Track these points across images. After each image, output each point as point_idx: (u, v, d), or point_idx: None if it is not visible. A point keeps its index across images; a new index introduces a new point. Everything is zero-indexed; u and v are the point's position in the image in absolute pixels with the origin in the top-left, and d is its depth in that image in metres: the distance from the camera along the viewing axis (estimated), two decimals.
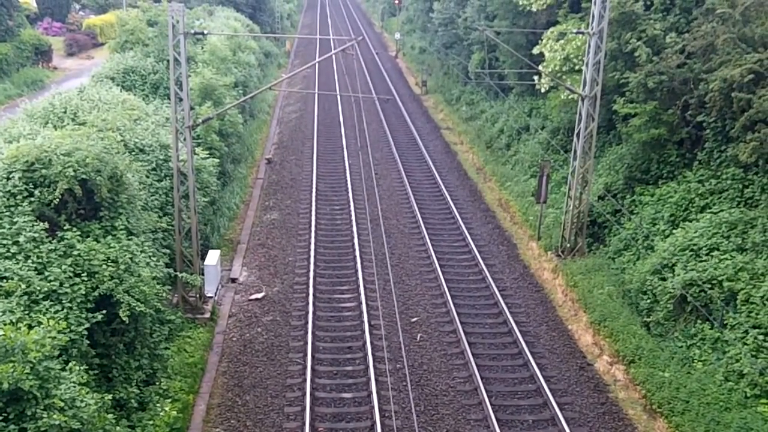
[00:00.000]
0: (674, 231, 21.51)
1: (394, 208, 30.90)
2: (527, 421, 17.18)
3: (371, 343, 19.95)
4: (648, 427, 17.26)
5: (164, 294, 17.15)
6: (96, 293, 14.33)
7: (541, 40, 30.32)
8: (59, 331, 11.80)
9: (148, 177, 21.16)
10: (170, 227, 20.78)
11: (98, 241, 15.41)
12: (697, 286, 18.85)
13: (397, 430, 16.64)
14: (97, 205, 16.33)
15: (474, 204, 31.80)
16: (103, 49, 53.75)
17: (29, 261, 14.02)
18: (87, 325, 13.78)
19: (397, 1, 79.60)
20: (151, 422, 15.05)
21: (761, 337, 16.85)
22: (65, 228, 15.19)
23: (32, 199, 15.27)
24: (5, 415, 10.54)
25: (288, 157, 38.29)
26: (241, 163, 34.67)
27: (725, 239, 19.65)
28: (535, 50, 30.58)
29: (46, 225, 14.89)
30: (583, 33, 24.68)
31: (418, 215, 29.48)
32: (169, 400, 16.17)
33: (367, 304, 22.09)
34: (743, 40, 21.54)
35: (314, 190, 32.21)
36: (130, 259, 15.50)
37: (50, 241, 14.72)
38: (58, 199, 15.32)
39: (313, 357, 19.31)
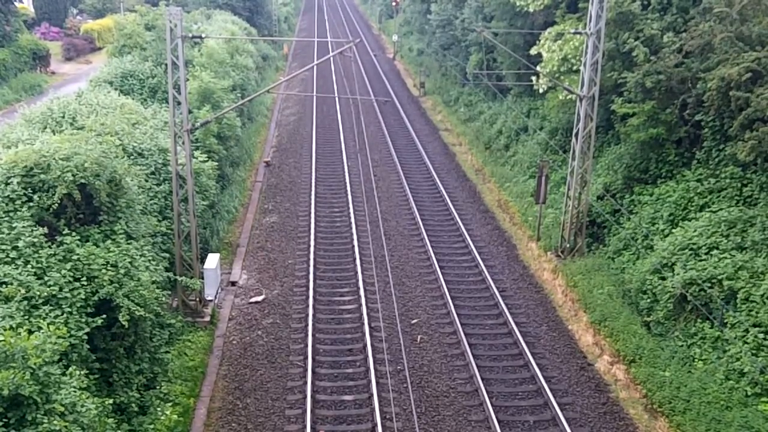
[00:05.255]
0: (673, 230, 21.53)
1: (393, 210, 30.89)
2: (528, 421, 17.18)
3: (372, 345, 19.94)
4: (649, 426, 17.26)
5: (164, 298, 17.14)
6: (96, 298, 14.32)
7: (539, 40, 30.34)
8: (59, 336, 11.76)
9: (147, 181, 21.14)
10: (169, 231, 20.79)
11: (97, 246, 15.41)
12: (696, 285, 18.85)
13: (398, 431, 16.63)
14: (96, 209, 16.31)
15: (473, 205, 31.79)
16: (101, 54, 53.86)
17: (29, 266, 14.00)
18: (87, 330, 13.78)
19: (394, 3, 79.65)
20: (151, 426, 15.06)
21: (761, 335, 16.86)
22: (64, 233, 15.18)
23: (31, 204, 15.25)
24: (6, 420, 10.52)
25: (287, 159, 38.28)
26: (240, 166, 34.66)
27: (724, 238, 19.66)
28: (533, 51, 30.61)
29: (46, 230, 14.87)
30: (580, 33, 24.71)
31: (418, 217, 29.47)
32: (170, 404, 16.17)
33: (367, 306, 22.09)
34: (740, 39, 21.57)
35: (313, 192, 32.21)
36: (130, 263, 15.47)
37: (49, 246, 14.70)
38: (57, 204, 15.30)
39: (313, 359, 19.30)
